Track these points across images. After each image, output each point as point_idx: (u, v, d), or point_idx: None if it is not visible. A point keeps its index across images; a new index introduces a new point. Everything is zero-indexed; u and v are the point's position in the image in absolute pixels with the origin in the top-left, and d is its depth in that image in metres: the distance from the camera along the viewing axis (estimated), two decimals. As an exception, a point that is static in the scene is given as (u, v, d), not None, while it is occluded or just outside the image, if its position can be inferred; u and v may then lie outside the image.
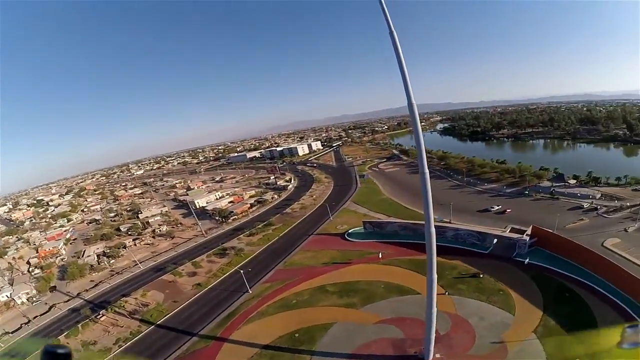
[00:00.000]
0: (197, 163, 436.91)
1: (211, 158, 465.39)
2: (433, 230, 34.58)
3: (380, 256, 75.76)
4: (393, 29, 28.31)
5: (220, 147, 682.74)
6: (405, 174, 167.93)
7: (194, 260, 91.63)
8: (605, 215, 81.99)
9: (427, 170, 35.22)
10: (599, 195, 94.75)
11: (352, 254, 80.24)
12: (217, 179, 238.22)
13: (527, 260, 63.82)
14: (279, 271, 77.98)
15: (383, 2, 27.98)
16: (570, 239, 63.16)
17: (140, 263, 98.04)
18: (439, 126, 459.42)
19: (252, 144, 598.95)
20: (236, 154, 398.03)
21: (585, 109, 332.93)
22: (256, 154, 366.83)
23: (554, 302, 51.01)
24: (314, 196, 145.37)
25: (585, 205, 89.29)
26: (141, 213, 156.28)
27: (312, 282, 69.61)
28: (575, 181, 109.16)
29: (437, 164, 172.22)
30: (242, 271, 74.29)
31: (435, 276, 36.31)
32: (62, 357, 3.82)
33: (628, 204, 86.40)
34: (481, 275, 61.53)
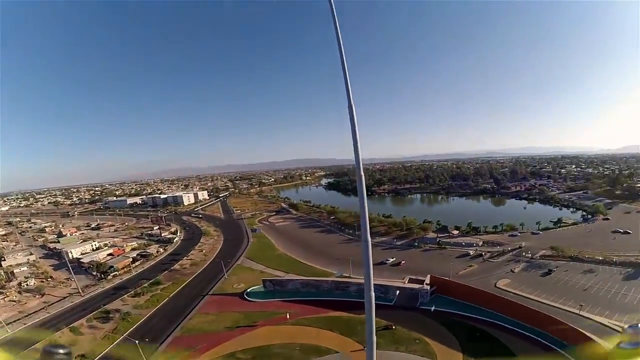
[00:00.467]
0: (71, 205, 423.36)
1: (87, 200, 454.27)
2: (372, 295, 38.84)
3: (287, 316, 77.32)
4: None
5: (97, 189, 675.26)
6: (297, 228, 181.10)
7: (72, 325, 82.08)
8: (491, 260, 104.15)
9: (369, 238, 40.46)
10: (481, 243, 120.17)
11: (257, 315, 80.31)
12: (94, 225, 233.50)
13: (433, 307, 74.70)
14: (177, 339, 73.12)
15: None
16: (466, 284, 77.47)
17: (7, 325, 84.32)
18: (324, 181, 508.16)
19: (132, 188, 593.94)
20: (115, 198, 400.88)
21: (455, 166, 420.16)
22: (137, 200, 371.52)
23: (470, 343, 61.06)
24: (204, 251, 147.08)
25: (471, 252, 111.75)
26: (4, 260, 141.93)
27: (218, 350, 66.59)
28: (457, 231, 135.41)
29: (327, 218, 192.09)
30: (137, 342, 66.27)
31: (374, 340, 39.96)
32: (62, 357, 4.15)
33: (509, 248, 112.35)
34: (393, 327, 68.76)
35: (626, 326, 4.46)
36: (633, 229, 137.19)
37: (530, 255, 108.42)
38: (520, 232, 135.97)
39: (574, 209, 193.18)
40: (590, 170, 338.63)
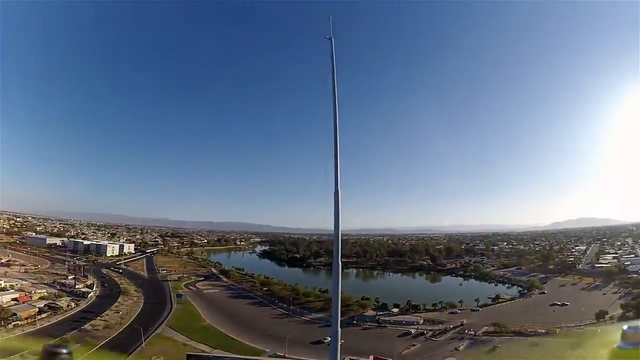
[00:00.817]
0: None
1: (2, 230, 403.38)
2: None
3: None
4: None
5: (18, 219, 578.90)
6: (226, 298, 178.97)
7: None
8: (433, 339, 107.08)
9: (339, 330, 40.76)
10: (422, 321, 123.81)
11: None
12: (4, 260, 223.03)
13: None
14: None
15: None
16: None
17: None
18: (258, 248, 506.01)
19: (56, 227, 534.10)
20: (35, 234, 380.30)
21: (391, 241, 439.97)
22: (58, 241, 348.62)
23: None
24: (121, 312, 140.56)
25: (413, 331, 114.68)
26: None
27: None
28: (397, 309, 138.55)
29: (260, 289, 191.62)
30: None
31: None
32: (62, 356, 4.27)
33: (451, 326, 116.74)
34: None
35: (626, 326, 4.63)
36: (570, 301, 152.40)
37: (473, 332, 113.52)
38: (460, 310, 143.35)
39: (510, 285, 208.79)
40: (521, 247, 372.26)
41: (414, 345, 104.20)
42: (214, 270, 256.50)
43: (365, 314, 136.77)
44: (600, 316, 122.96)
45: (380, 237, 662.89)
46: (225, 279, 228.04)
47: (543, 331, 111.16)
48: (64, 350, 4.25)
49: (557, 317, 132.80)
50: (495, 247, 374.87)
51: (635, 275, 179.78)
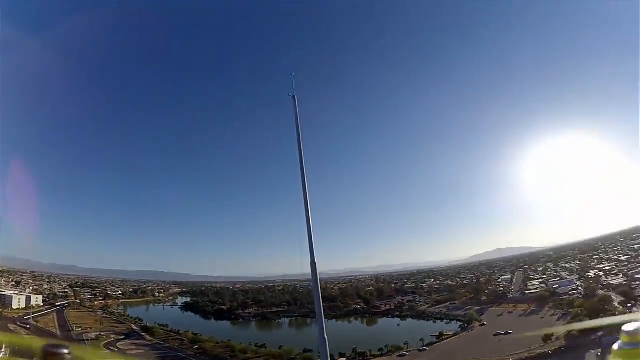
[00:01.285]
0: None
1: None
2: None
3: None
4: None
5: None
6: None
7: None
8: None
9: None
10: None
11: None
12: None
13: None
14: None
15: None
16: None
17: None
18: (179, 300, 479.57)
19: None
20: None
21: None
22: None
23: None
24: None
25: None
26: None
27: None
28: (344, 359, 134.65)
29: (190, 347, 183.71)
30: None
31: None
32: (62, 356, 4.17)
33: None
34: None
35: (626, 326, 4.64)
36: (513, 329, 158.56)
37: None
38: (407, 351, 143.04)
39: (448, 320, 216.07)
40: (449, 282, 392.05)
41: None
42: (134, 327, 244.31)
43: None
44: (547, 339, 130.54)
45: (307, 282, 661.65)
46: (148, 337, 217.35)
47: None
48: (64, 350, 4.24)
49: (505, 346, 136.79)
50: (424, 285, 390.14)
51: (567, 297, 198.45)
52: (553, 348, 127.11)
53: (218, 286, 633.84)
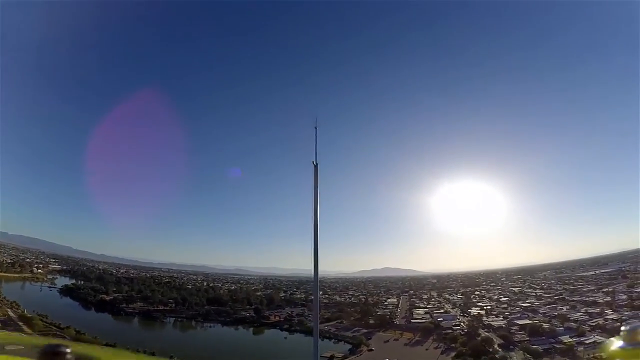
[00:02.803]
0: None
1: None
2: None
3: None
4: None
5: None
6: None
7: None
8: None
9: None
10: None
11: None
12: None
13: None
14: None
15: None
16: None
17: None
18: (59, 281, 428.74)
19: None
20: None
21: (207, 284, 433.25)
22: None
23: None
24: None
25: None
26: None
27: None
28: None
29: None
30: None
31: None
32: (62, 356, 4.36)
33: None
34: None
35: (626, 326, 5.11)
36: (399, 358, 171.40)
37: None
38: None
39: (336, 340, 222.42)
40: (337, 297, 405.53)
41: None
42: (11, 314, 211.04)
43: None
44: None
45: (193, 276, 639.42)
46: (27, 329, 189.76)
47: None
48: (65, 350, 4.35)
49: None
50: (312, 297, 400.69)
51: (450, 331, 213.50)
52: None
53: (101, 268, 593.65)
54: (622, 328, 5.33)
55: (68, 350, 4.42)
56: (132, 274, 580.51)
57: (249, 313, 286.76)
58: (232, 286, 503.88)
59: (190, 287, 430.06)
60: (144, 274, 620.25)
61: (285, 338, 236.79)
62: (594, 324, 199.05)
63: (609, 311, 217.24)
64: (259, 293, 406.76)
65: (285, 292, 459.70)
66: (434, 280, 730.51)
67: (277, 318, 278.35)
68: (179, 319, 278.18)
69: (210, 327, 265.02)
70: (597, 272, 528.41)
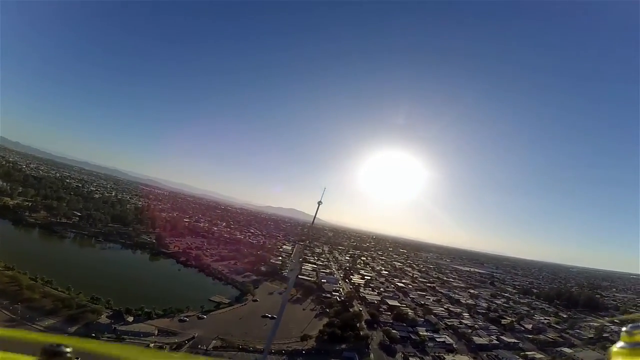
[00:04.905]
0: None
1: None
2: None
3: None
4: None
5: None
6: None
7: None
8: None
9: None
10: (157, 332, 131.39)
11: None
12: None
13: None
14: None
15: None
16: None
17: None
18: None
19: None
20: None
21: (114, 198, 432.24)
22: None
23: None
24: None
25: (152, 345, 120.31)
26: None
27: None
28: (132, 317, 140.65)
29: None
30: None
31: None
32: (63, 356, 4.64)
33: (185, 339, 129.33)
34: None
35: (626, 326, 5.01)
36: (276, 312, 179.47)
37: (205, 347, 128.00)
38: (187, 316, 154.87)
39: (226, 283, 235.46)
40: (238, 233, 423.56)
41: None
42: None
43: (100, 321, 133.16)
44: (304, 339, 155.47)
45: (104, 181, 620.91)
46: None
47: (260, 347, 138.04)
48: (65, 350, 4.57)
49: (269, 331, 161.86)
50: (215, 229, 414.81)
51: (329, 296, 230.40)
52: (306, 347, 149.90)
53: (12, 160, 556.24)
54: (623, 329, 5.07)
55: (68, 350, 4.53)
56: (42, 171, 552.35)
57: (151, 238, 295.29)
58: (139, 201, 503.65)
59: (97, 196, 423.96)
60: (54, 172, 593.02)
61: (179, 270, 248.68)
62: (449, 323, 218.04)
63: (466, 315, 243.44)
64: (164, 215, 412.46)
65: (190, 217, 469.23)
66: (330, 234, 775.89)
67: (176, 248, 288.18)
68: (80, 235, 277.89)
69: (109, 247, 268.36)
70: (471, 269, 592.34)
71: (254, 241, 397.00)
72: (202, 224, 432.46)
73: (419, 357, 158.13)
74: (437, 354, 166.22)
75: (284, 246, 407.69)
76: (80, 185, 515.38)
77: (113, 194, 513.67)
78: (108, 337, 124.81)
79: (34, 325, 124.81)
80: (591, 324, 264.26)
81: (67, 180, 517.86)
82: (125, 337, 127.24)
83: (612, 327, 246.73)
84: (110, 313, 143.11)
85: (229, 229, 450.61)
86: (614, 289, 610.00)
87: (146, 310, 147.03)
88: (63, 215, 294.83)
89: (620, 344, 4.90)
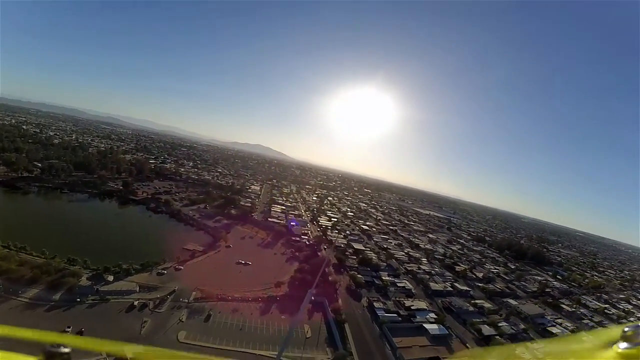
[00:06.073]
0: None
1: None
2: None
3: None
4: None
5: None
6: None
7: None
8: (157, 310, 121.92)
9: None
10: (138, 288, 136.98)
11: None
12: None
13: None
14: None
15: None
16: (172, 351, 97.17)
17: None
18: None
19: None
20: None
21: (78, 141, 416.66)
22: None
23: None
24: None
25: (136, 303, 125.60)
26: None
27: None
28: (113, 277, 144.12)
29: None
30: None
31: None
32: (62, 356, 4.84)
33: (167, 294, 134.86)
34: None
35: (626, 327, 4.70)
36: (251, 259, 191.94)
37: (186, 300, 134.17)
38: (165, 269, 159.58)
39: (198, 229, 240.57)
40: (205, 174, 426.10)
41: (146, 321, 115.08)
42: None
43: (81, 284, 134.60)
44: (278, 286, 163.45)
45: (63, 123, 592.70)
46: None
47: (238, 296, 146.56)
48: (64, 350, 4.70)
49: (244, 278, 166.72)
50: (182, 170, 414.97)
51: (298, 240, 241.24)
52: (280, 293, 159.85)
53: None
54: (623, 328, 4.70)
55: (68, 350, 4.69)
56: (8, 119, 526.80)
57: (117, 185, 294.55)
58: (101, 143, 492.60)
59: (57, 142, 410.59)
60: (9, 118, 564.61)
61: (150, 217, 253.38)
62: (409, 268, 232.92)
63: (424, 260, 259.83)
64: (128, 157, 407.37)
65: (156, 158, 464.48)
66: (297, 172, 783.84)
67: (144, 194, 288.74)
68: (44, 189, 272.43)
69: (76, 199, 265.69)
70: (431, 212, 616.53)
71: (223, 182, 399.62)
72: (168, 165, 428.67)
73: (382, 302, 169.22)
74: (398, 299, 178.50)
75: (253, 186, 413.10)
76: (37, 130, 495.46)
77: (73, 137, 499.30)
78: (93, 300, 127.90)
79: (18, 299, 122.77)
80: (536, 277, 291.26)
81: (24, 127, 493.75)
82: (109, 297, 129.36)
83: (555, 282, 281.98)
84: (90, 274, 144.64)
85: (196, 169, 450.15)
86: (560, 244, 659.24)
87: (124, 267, 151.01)
88: (24, 168, 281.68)
89: (620, 344, 4.50)
